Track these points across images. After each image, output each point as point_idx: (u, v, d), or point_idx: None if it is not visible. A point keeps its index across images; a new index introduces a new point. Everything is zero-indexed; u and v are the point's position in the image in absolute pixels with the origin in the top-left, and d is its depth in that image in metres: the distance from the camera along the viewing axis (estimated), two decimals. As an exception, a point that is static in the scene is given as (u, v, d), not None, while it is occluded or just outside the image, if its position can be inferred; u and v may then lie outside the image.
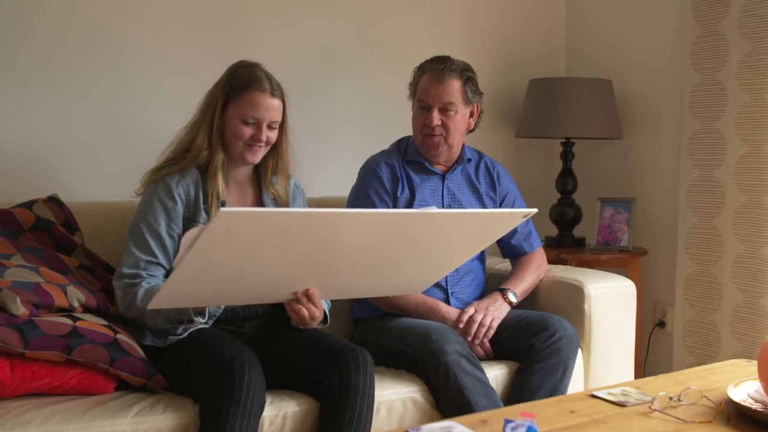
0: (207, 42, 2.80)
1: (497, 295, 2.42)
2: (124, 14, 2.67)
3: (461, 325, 2.33)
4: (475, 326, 2.32)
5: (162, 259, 2.05)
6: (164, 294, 1.69)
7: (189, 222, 2.09)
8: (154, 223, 2.06)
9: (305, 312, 1.88)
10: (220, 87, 2.14)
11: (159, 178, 2.11)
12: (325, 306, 2.08)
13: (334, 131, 3.10)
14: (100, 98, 2.65)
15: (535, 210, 1.82)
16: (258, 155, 2.13)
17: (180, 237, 2.07)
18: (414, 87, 2.51)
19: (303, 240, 1.63)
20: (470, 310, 2.36)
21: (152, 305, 1.74)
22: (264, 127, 2.10)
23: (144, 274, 2.01)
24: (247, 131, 2.09)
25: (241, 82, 2.11)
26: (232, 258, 1.62)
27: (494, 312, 2.36)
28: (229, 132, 2.11)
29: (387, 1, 3.17)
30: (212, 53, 2.73)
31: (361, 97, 3.14)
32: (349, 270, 1.84)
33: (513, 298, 2.43)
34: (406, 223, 1.74)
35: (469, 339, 2.31)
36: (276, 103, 2.11)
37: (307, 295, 1.87)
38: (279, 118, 2.13)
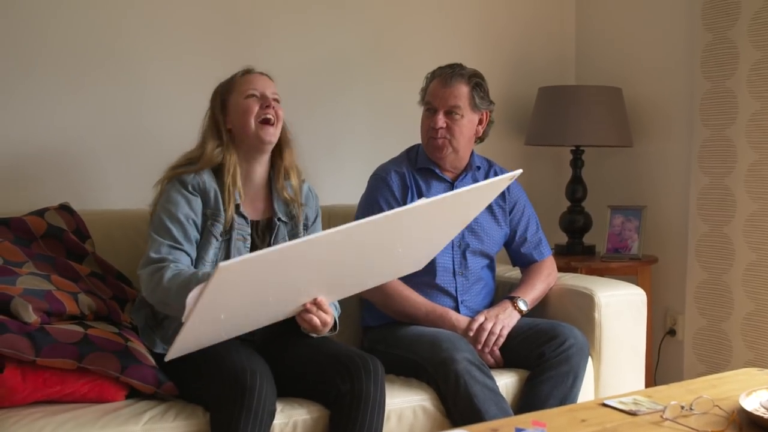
0: (220, 53, 2.80)
1: (507, 303, 2.41)
2: (137, 25, 2.68)
3: (471, 334, 2.32)
4: (485, 334, 2.32)
5: (186, 246, 2.04)
6: (180, 343, 1.72)
7: (210, 219, 2.10)
8: (175, 211, 2.07)
9: (317, 320, 1.89)
10: (215, 97, 2.22)
11: (175, 175, 2.13)
12: (335, 313, 2.08)
13: (345, 140, 3.10)
14: (112, 107, 2.67)
15: (520, 171, 1.84)
16: (272, 134, 2.14)
17: (199, 226, 2.09)
18: (424, 92, 2.52)
19: (304, 264, 1.67)
20: (480, 319, 2.35)
21: (170, 356, 1.76)
22: (269, 98, 2.14)
23: (171, 258, 2.00)
24: (255, 104, 2.13)
25: (230, 78, 2.21)
26: (238, 299, 1.67)
27: (504, 320, 2.35)
28: (238, 117, 2.14)
29: (397, 12, 3.18)
30: (224, 64, 2.71)
31: (372, 107, 3.15)
32: (352, 272, 1.87)
33: (523, 307, 2.42)
34: (399, 221, 1.76)
35: (479, 347, 2.31)
36: (267, 79, 2.21)
37: (316, 303, 1.87)
38: (276, 92, 2.18)
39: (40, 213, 2.27)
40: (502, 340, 2.33)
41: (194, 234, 2.07)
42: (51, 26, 2.55)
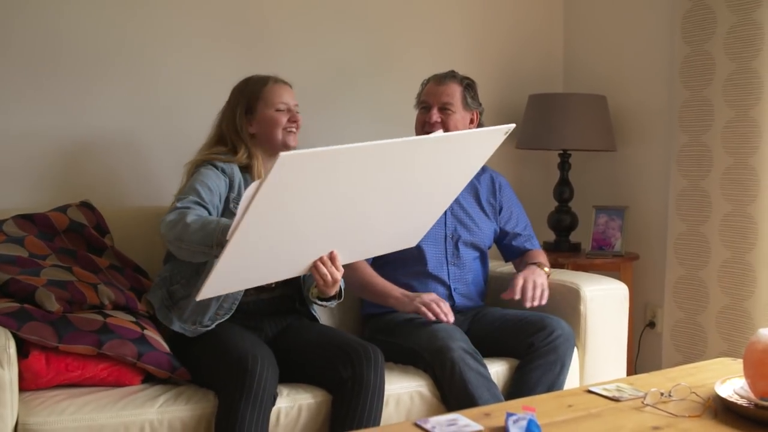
0: (236, 62, 2.79)
1: (534, 267, 2.43)
2: (158, 30, 2.68)
3: (516, 297, 2.31)
4: (536, 289, 2.32)
5: (209, 207, 2.03)
6: (219, 271, 1.63)
7: (232, 202, 2.10)
8: (205, 179, 2.07)
9: (325, 271, 1.84)
10: (237, 96, 2.24)
11: (207, 159, 2.15)
12: (341, 283, 2.08)
13: (347, 143, 3.09)
14: (131, 110, 2.66)
15: (513, 125, 1.84)
16: (294, 139, 2.22)
17: (222, 201, 2.09)
18: (420, 96, 2.52)
19: (349, 183, 1.65)
20: (520, 281, 2.34)
21: (201, 295, 1.67)
22: (294, 111, 2.22)
23: (195, 209, 1.97)
24: (283, 117, 2.20)
25: (257, 83, 2.23)
26: (284, 215, 1.61)
27: (539, 278, 2.37)
28: (267, 126, 2.19)
29: (398, 23, 3.17)
30: (236, 69, 2.71)
31: (374, 111, 3.14)
32: (366, 221, 1.85)
33: (547, 269, 2.47)
34: (430, 148, 1.78)
35: (529, 303, 2.30)
36: (291, 89, 2.26)
37: (331, 257, 1.85)
38: (297, 102, 2.24)
39: (63, 209, 2.27)
40: (546, 292, 2.35)
41: (217, 203, 2.07)
42: (73, 28, 2.55)
